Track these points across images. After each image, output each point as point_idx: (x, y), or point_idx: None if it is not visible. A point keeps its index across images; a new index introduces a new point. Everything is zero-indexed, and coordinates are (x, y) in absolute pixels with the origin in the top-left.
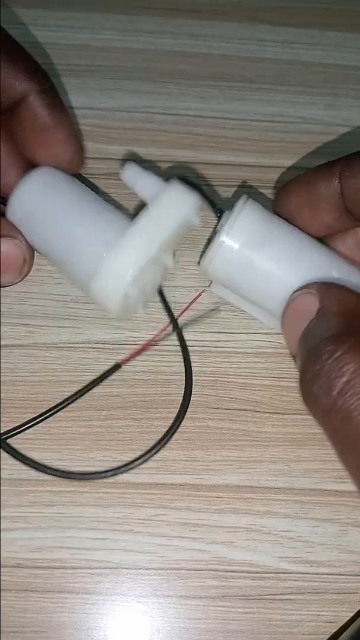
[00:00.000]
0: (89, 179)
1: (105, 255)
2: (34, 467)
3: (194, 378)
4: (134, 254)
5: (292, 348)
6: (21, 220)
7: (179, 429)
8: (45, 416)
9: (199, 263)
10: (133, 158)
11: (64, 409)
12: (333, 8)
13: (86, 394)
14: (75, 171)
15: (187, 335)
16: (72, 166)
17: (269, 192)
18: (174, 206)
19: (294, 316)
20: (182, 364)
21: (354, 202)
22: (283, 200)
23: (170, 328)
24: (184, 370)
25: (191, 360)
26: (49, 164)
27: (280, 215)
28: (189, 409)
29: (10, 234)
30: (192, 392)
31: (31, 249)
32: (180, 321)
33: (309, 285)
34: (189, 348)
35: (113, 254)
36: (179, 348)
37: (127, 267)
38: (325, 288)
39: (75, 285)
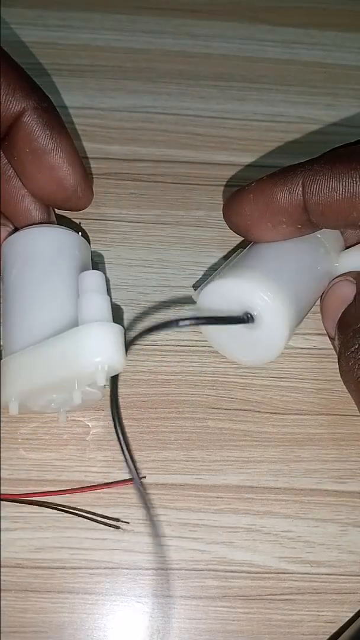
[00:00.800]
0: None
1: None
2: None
3: (194, 378)
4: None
5: (330, 329)
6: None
7: (180, 429)
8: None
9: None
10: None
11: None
12: (333, 8)
13: None
14: (83, 206)
15: (187, 335)
16: (78, 197)
17: None
18: (75, 356)
19: (333, 301)
20: (183, 364)
21: (322, 214)
22: (235, 211)
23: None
24: (180, 369)
25: (191, 360)
26: (50, 194)
27: (231, 225)
28: (188, 409)
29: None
30: (192, 392)
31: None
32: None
33: (348, 273)
34: (189, 348)
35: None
36: (179, 348)
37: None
38: None
39: None
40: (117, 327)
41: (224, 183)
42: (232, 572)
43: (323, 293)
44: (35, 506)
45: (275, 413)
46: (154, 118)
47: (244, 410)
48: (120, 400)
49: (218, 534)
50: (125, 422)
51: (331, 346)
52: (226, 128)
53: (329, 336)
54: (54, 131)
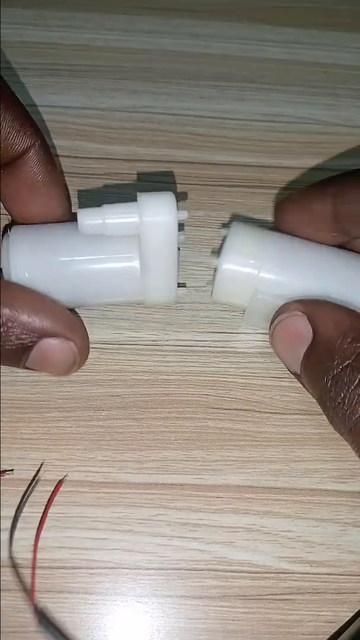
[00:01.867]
0: (89, 179)
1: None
2: None
3: (194, 378)
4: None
5: (291, 365)
6: (29, 278)
7: (180, 429)
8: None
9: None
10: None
11: (63, 409)
12: (333, 8)
13: (86, 395)
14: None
15: (187, 335)
16: (65, 219)
17: (269, 192)
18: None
19: (288, 337)
20: (183, 364)
21: (350, 224)
22: (279, 218)
23: None
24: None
25: (191, 360)
26: (40, 219)
27: (281, 229)
28: (188, 409)
29: (61, 332)
30: (192, 392)
31: (85, 346)
32: (179, 321)
33: (295, 305)
34: (189, 348)
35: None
36: (179, 348)
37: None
38: (313, 308)
39: None
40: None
41: (224, 183)
42: (232, 572)
43: (271, 324)
44: (35, 506)
45: (275, 413)
46: (154, 118)
47: (244, 410)
48: (120, 400)
49: (218, 534)
50: (125, 422)
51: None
52: (226, 128)
53: (291, 371)
54: (53, 167)
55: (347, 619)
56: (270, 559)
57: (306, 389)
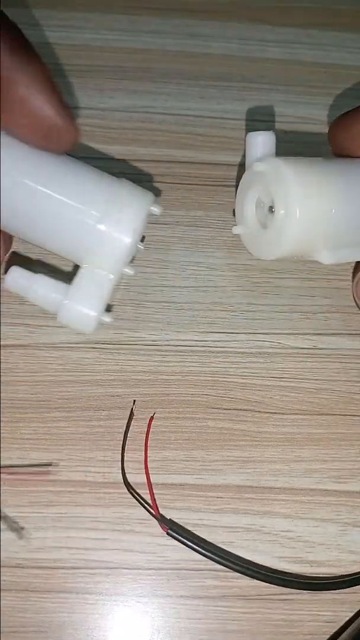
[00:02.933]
0: None
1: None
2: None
3: (194, 378)
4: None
5: None
6: None
7: (180, 429)
8: None
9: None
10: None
11: (63, 409)
12: (333, 8)
13: (86, 395)
14: (66, 143)
15: (187, 335)
16: (59, 131)
17: None
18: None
19: None
20: (183, 364)
21: None
22: (344, 131)
23: None
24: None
25: (191, 360)
26: (27, 132)
27: (339, 149)
28: (188, 409)
29: None
30: (192, 392)
31: (6, 234)
32: (179, 321)
33: None
34: (189, 348)
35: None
36: (179, 348)
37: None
38: None
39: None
40: None
41: (224, 183)
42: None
43: (355, 279)
44: (35, 506)
45: (275, 413)
46: (154, 118)
47: (244, 410)
48: (120, 400)
49: (218, 534)
50: (125, 422)
51: (331, 346)
52: (226, 128)
53: None
54: (21, 57)
55: (347, 619)
56: (270, 559)
57: None
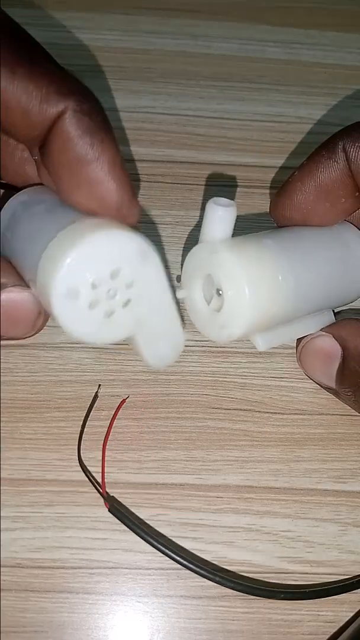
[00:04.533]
0: None
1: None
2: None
3: (194, 378)
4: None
5: (326, 384)
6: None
7: (180, 429)
8: None
9: None
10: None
11: (63, 409)
12: (333, 8)
13: (86, 395)
14: (128, 224)
15: (187, 335)
16: (123, 216)
17: (269, 192)
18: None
19: (318, 359)
20: (183, 364)
21: None
22: (287, 205)
23: None
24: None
25: (191, 360)
26: (91, 211)
27: (286, 221)
28: (188, 409)
29: (19, 282)
30: (192, 392)
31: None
32: None
33: (322, 329)
34: (189, 348)
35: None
36: None
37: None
38: (335, 327)
39: None
40: None
41: (224, 183)
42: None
43: (299, 348)
44: (35, 506)
45: (275, 413)
46: (154, 118)
47: (244, 410)
48: (120, 400)
49: (218, 534)
50: (125, 422)
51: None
52: (226, 128)
53: (324, 387)
54: (96, 138)
55: (347, 619)
56: (270, 559)
57: (343, 402)
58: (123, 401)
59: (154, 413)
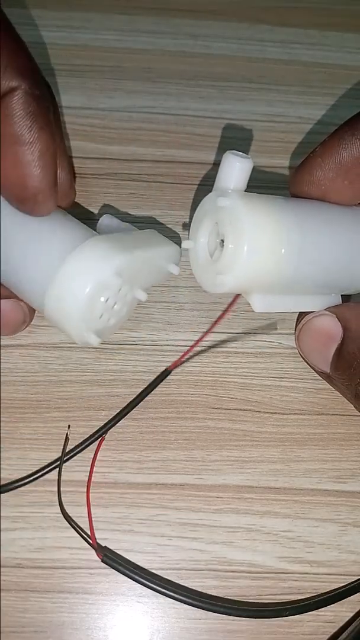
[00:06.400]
0: (89, 179)
1: (69, 256)
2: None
3: (194, 378)
4: (101, 257)
5: (320, 367)
6: None
7: (180, 429)
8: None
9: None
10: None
11: (63, 409)
12: (333, 8)
13: (86, 395)
14: (37, 214)
15: (187, 335)
16: (36, 203)
17: (268, 192)
18: (154, 242)
19: (317, 339)
20: (183, 364)
21: None
22: (306, 180)
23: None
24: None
25: (191, 360)
26: (7, 187)
27: (304, 196)
28: (188, 409)
29: (10, 294)
30: (192, 392)
31: (32, 310)
32: (179, 321)
33: (326, 309)
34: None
35: (77, 254)
36: (179, 348)
37: (96, 265)
38: (339, 308)
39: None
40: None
41: None
42: (232, 572)
43: (299, 326)
44: (35, 506)
45: (275, 413)
46: (154, 118)
47: (244, 410)
48: (120, 400)
49: (218, 534)
50: (125, 422)
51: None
52: (226, 128)
53: (317, 371)
54: (36, 124)
55: (347, 619)
56: (270, 559)
57: (336, 388)
58: (102, 439)
59: (154, 413)
